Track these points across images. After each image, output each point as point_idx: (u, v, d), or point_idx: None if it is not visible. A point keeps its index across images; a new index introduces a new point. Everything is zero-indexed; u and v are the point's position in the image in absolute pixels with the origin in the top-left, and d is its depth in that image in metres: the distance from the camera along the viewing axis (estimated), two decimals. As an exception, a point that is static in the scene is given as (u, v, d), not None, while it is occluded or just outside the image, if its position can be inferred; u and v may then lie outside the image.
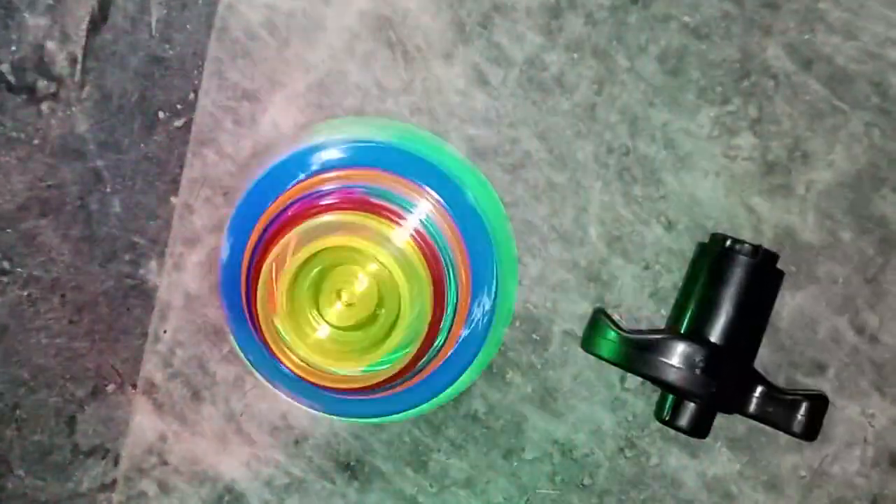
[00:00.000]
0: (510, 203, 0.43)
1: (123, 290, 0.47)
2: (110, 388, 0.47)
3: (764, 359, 0.41)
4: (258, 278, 0.36)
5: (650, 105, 0.41)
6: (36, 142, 0.46)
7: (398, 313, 0.36)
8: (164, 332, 0.46)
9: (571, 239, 0.43)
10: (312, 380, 0.37)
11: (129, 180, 0.46)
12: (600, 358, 0.40)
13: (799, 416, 0.37)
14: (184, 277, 0.46)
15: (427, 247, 0.37)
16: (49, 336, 0.48)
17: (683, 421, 0.38)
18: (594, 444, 0.43)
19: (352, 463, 0.45)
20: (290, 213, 0.38)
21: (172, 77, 0.45)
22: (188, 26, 0.45)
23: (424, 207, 0.38)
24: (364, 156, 0.39)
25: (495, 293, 0.38)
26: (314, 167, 0.38)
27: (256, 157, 0.44)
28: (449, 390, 0.39)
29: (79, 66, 0.45)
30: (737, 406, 0.38)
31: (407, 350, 0.36)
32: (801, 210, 0.41)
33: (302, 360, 0.36)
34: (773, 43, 0.41)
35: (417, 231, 0.37)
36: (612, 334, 0.39)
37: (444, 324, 0.37)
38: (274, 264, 0.36)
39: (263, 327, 0.36)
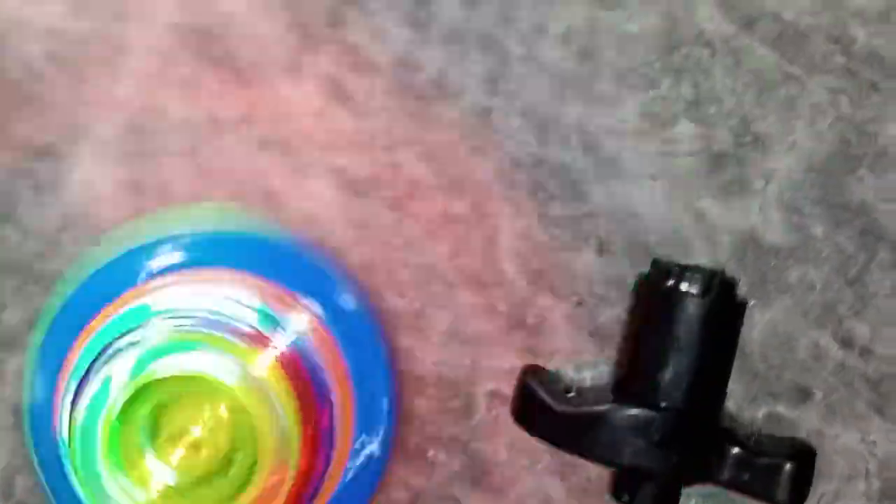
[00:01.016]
0: (399, 246, 0.37)
1: (-66, 414, 0.41)
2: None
3: (736, 394, 0.37)
4: (73, 425, 0.30)
5: (559, 101, 0.36)
6: None
7: (255, 458, 0.31)
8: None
9: (483, 280, 0.37)
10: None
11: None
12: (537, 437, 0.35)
13: (781, 482, 0.33)
14: (4, 390, 0.40)
15: (297, 373, 0.32)
16: None
17: (646, 502, 0.34)
18: (546, 520, 0.39)
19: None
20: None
21: (-59, 140, 0.38)
22: (-51, 72, 0.38)
23: (296, 321, 0.33)
24: (210, 253, 0.34)
25: (387, 432, 0.35)
26: (142, 276, 0.33)
27: (74, 232, 0.38)
28: None
29: None
30: (706, 476, 0.34)
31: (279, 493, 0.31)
32: (761, 208, 0.36)
33: None
34: (704, 1, 0.35)
35: (284, 355, 0.32)
36: (544, 407, 0.34)
37: (320, 467, 0.33)
38: (90, 406, 0.30)
39: (82, 489, 0.31)
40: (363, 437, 0.34)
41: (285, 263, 0.34)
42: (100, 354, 0.32)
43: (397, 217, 0.37)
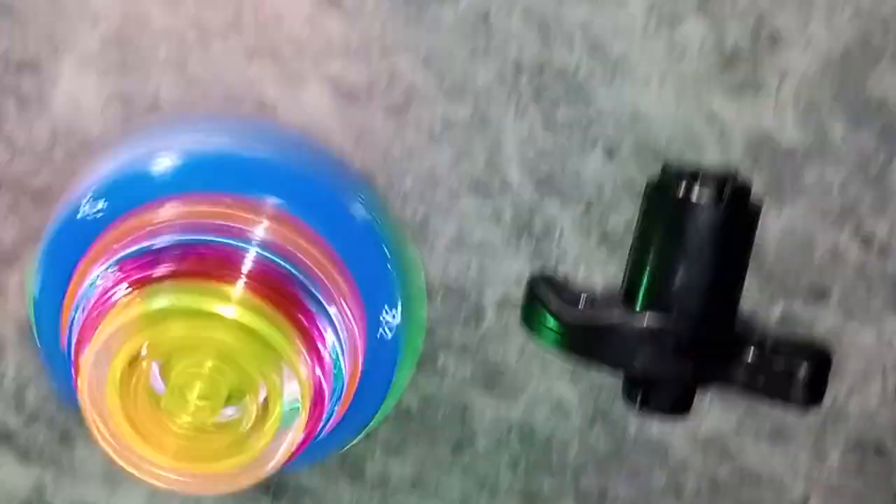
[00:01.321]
0: (400, 154, 0.42)
1: (-61, 331, 0.47)
2: (-43, 446, 0.50)
3: (752, 295, 0.42)
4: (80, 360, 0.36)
5: (560, 1, 0.40)
6: None
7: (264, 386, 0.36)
8: (3, 372, 0.48)
9: (488, 187, 0.42)
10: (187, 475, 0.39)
11: None
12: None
13: (797, 383, 0.38)
14: (9, 305, 0.46)
15: (275, 286, 0.36)
16: None
17: (659, 406, 0.40)
18: (558, 421, 0.45)
19: (271, 485, 0.48)
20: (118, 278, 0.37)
21: (-81, 56, 0.43)
22: (-82, -16, 0.42)
23: (258, 233, 0.37)
24: (198, 173, 0.38)
25: (399, 301, 0.39)
26: (144, 194, 0.38)
27: (65, 146, 0.43)
28: (376, 417, 0.42)
29: None
30: (721, 378, 0.39)
31: (293, 421, 0.37)
32: (776, 108, 0.40)
33: (159, 477, 0.38)
34: None
35: (252, 275, 0.36)
36: (551, 321, 0.40)
37: (335, 365, 0.38)
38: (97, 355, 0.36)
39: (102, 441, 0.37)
40: (380, 313, 0.39)
41: (257, 170, 0.38)
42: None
43: (396, 125, 0.42)
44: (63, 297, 0.39)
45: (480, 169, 0.42)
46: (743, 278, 0.40)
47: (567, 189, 0.42)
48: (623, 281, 0.41)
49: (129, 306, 0.35)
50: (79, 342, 0.37)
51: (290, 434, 0.37)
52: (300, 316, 0.37)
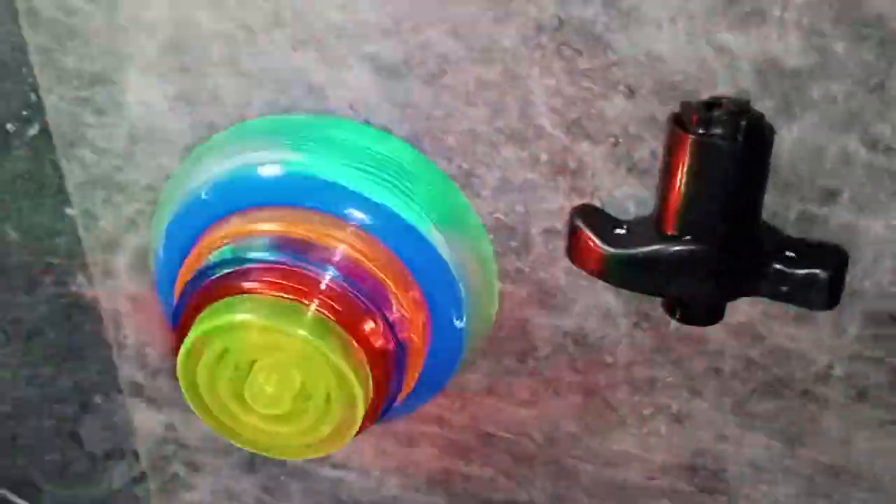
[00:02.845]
0: (440, 117, 0.41)
1: (63, 310, 0.48)
2: (97, 399, 0.51)
3: (769, 202, 0.40)
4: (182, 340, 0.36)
5: None
6: None
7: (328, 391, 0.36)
8: (126, 337, 0.48)
9: (523, 136, 0.41)
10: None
11: (11, 204, 0.45)
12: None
13: (818, 289, 0.38)
14: (119, 282, 0.46)
15: (343, 305, 0.36)
16: (11, 370, 0.50)
17: (696, 320, 0.40)
18: (607, 326, 0.45)
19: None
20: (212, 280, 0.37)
21: (1, 82, 0.42)
22: (-11, 19, 0.41)
23: (338, 254, 0.37)
24: (295, 187, 0.38)
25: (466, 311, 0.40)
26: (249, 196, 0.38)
27: (143, 145, 0.43)
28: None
29: None
30: (748, 291, 0.38)
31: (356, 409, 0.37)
32: (780, 34, 0.37)
33: (249, 442, 0.39)
34: None
35: (326, 294, 0.36)
36: (597, 250, 0.39)
37: (397, 369, 0.38)
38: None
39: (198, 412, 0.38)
40: (446, 318, 0.40)
41: (334, 191, 0.38)
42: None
43: (434, 91, 0.40)
44: (179, 265, 0.40)
45: (515, 121, 0.41)
46: (762, 200, 0.38)
47: (594, 130, 0.40)
48: (654, 210, 0.40)
49: (217, 313, 0.36)
50: (184, 315, 0.38)
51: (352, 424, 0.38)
52: (366, 331, 0.37)
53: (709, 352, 0.45)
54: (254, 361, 0.37)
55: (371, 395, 0.37)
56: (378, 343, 0.37)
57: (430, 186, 0.41)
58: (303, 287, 0.36)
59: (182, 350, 0.36)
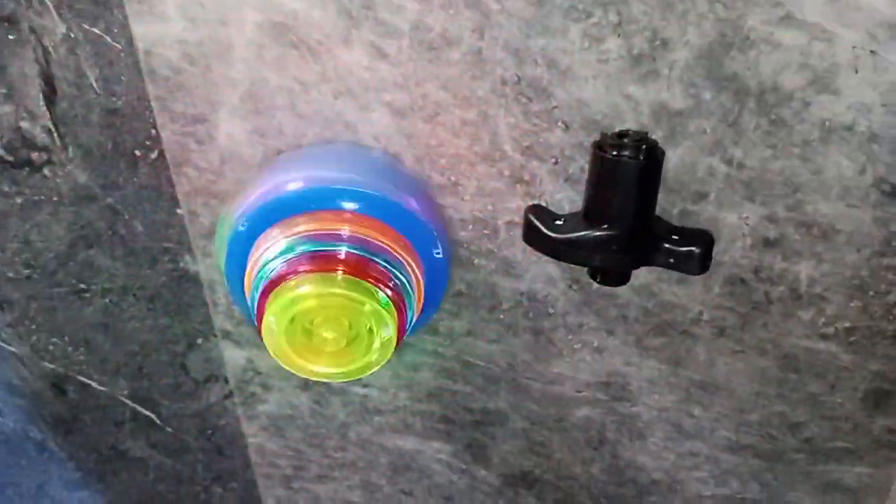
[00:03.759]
0: (435, 145, 0.41)
1: (175, 280, 0.47)
2: (199, 341, 0.50)
3: (660, 200, 0.40)
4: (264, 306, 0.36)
5: (527, 37, 0.36)
6: (55, 198, 0.44)
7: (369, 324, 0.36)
8: (219, 298, 0.48)
9: (493, 157, 0.40)
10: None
11: (138, 206, 0.44)
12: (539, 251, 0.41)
13: (694, 261, 0.38)
14: (213, 261, 0.46)
15: (360, 266, 0.36)
16: (138, 321, 0.49)
17: (610, 282, 0.39)
18: (549, 288, 0.44)
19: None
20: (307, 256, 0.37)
21: (131, 121, 0.41)
22: (122, 77, 0.40)
23: (345, 234, 0.37)
24: (372, 205, 0.38)
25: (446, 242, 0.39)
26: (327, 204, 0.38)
27: (230, 165, 0.42)
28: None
29: (55, 134, 0.41)
30: (647, 262, 0.38)
31: (389, 338, 0.37)
32: (668, 86, 0.37)
33: (312, 373, 0.38)
34: (619, -51, 0.35)
35: (347, 263, 0.36)
36: (543, 235, 0.39)
37: (407, 297, 0.38)
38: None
39: (280, 359, 0.38)
40: (431, 247, 0.40)
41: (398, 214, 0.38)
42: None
43: (431, 127, 0.40)
44: (243, 276, 0.39)
45: (487, 147, 0.40)
46: (656, 199, 0.38)
47: (542, 152, 0.40)
48: (582, 207, 0.40)
49: (282, 292, 0.35)
50: (259, 308, 0.37)
51: (387, 342, 0.38)
52: (379, 277, 0.37)
53: (619, 304, 0.45)
54: (312, 322, 0.37)
55: (396, 317, 0.37)
56: (390, 283, 0.37)
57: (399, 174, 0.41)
58: (328, 262, 0.36)
59: (264, 326, 0.36)
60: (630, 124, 0.39)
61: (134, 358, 0.50)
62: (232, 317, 0.48)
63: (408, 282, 0.38)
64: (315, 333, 0.37)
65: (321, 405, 0.52)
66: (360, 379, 0.50)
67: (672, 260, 0.38)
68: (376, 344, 0.37)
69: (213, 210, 0.43)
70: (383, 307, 0.36)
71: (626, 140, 0.36)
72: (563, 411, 0.50)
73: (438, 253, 0.40)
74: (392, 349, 0.37)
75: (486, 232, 0.43)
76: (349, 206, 0.38)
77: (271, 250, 0.37)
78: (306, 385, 0.51)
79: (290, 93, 0.39)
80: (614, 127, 0.39)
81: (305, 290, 0.35)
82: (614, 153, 0.36)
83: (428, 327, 0.47)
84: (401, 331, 0.37)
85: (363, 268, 0.36)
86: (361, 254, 0.37)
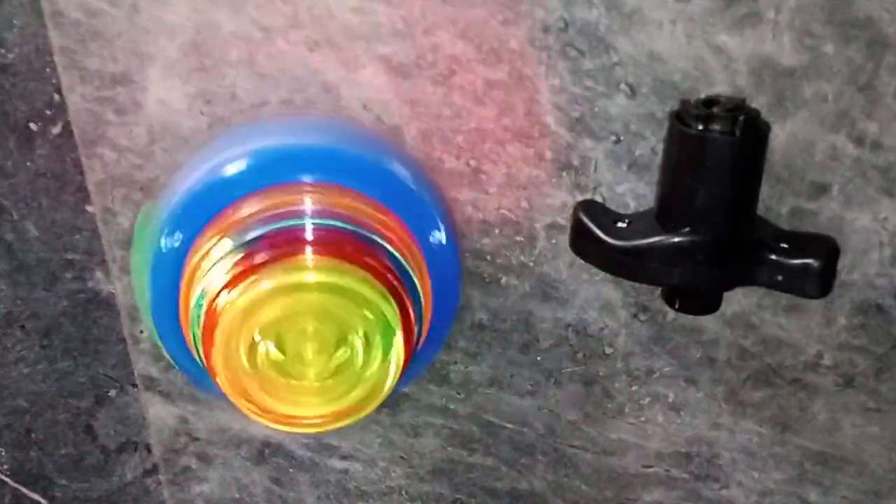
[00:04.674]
0: (450, 116, 0.41)
1: (81, 306, 0.47)
2: (112, 393, 0.50)
3: (763, 195, 0.40)
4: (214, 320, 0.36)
5: None
6: (-86, 190, 0.44)
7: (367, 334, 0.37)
8: (141, 332, 0.48)
9: (529, 134, 0.41)
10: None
11: (32, 202, 0.44)
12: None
13: (811, 278, 0.38)
14: (134, 280, 0.47)
15: (336, 244, 0.37)
16: (28, 365, 0.49)
17: (693, 309, 0.40)
18: (606, 318, 0.45)
19: (375, 395, 0.49)
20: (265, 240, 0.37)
21: (25, 82, 0.41)
22: (15, 21, 0.40)
23: (308, 207, 0.38)
24: (342, 172, 0.38)
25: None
26: (285, 175, 0.38)
27: (163, 143, 0.42)
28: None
29: (-84, 100, 0.42)
30: (745, 280, 0.38)
31: (394, 335, 0.37)
32: (774, 35, 0.38)
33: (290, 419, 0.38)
34: None
35: (317, 241, 0.37)
36: (599, 243, 0.39)
37: (408, 283, 0.38)
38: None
39: (228, 390, 0.37)
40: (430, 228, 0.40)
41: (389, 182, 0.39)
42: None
43: (444, 91, 0.40)
44: (174, 306, 0.40)
45: (521, 120, 0.41)
46: (758, 193, 0.39)
47: (597, 127, 0.40)
48: (655, 204, 0.40)
49: (229, 310, 0.36)
50: (205, 345, 0.37)
51: (394, 353, 0.37)
52: (367, 259, 0.37)
53: (704, 341, 0.45)
54: (281, 341, 0.37)
55: (400, 317, 0.37)
56: (385, 267, 0.37)
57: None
58: (291, 244, 0.37)
59: (216, 346, 0.36)
60: (722, 88, 0.39)
61: (19, 418, 0.50)
62: (159, 358, 0.48)
63: (409, 270, 0.39)
64: (290, 355, 0.37)
65: (282, 485, 0.52)
66: (338, 446, 0.50)
67: (780, 277, 0.38)
68: (378, 360, 0.37)
69: (136, 208, 0.44)
70: (381, 299, 0.36)
71: (715, 109, 0.37)
72: (626, 495, 0.50)
73: (441, 238, 0.40)
74: (400, 366, 0.37)
75: (518, 239, 0.44)
76: (308, 176, 0.38)
77: (211, 256, 0.37)
78: (261, 456, 0.51)
79: (249, 42, 0.40)
80: (699, 92, 0.39)
81: (264, 289, 0.35)
82: (700, 127, 0.37)
83: (434, 372, 0.47)
84: (408, 339, 0.37)
85: (342, 246, 0.37)
86: (336, 225, 0.37)
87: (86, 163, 0.43)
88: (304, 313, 0.36)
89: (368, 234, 0.38)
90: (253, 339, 0.36)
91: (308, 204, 0.38)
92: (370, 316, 0.36)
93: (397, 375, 0.38)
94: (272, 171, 0.39)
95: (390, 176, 0.40)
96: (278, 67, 0.40)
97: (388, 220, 0.39)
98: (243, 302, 0.35)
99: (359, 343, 0.37)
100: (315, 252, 0.37)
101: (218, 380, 0.36)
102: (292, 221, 0.38)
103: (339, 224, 0.38)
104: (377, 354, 0.37)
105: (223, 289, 0.36)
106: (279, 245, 0.37)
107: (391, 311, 0.36)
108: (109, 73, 0.41)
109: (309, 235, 0.37)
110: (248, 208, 0.38)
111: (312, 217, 0.38)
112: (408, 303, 0.38)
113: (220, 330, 0.35)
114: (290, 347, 0.37)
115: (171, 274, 0.39)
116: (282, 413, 0.37)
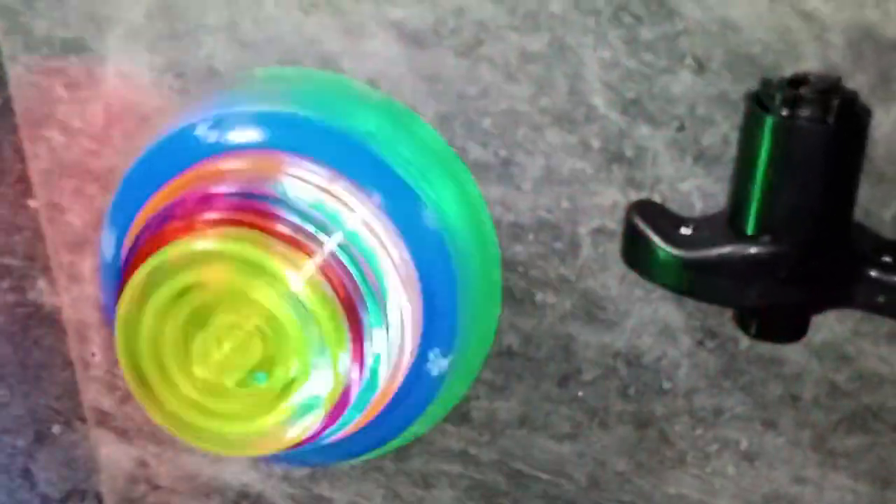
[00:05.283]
0: (476, 96, 0.42)
1: (19, 323, 0.48)
2: (55, 429, 0.51)
3: (862, 198, 0.41)
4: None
5: None
6: None
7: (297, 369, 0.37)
8: (93, 354, 0.49)
9: (573, 118, 0.41)
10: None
11: (-37, 194, 0.46)
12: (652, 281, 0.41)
13: None
14: (87, 289, 0.47)
15: (342, 280, 0.37)
16: (-46, 393, 0.51)
17: (775, 335, 0.40)
18: (665, 344, 0.45)
19: (378, 437, 0.49)
20: (171, 216, 0.38)
21: (-43, 49, 0.43)
22: (-54, -26, 0.42)
23: (352, 221, 0.38)
24: (285, 136, 0.39)
25: (454, 347, 0.40)
26: (215, 145, 0.39)
27: (123, 125, 0.43)
28: (395, 440, 0.44)
29: None
30: (838, 301, 0.39)
31: (312, 412, 0.37)
32: (877, 0, 0.39)
33: (172, 416, 0.38)
34: None
35: (328, 263, 0.37)
36: (658, 253, 0.40)
37: (372, 378, 0.39)
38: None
39: (125, 370, 0.37)
40: (431, 349, 0.41)
41: (357, 156, 0.39)
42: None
43: (469, 64, 0.41)
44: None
45: (563, 100, 0.41)
46: (855, 194, 0.39)
47: (656, 110, 0.41)
48: (727, 205, 0.40)
49: (187, 242, 0.37)
50: (133, 262, 0.38)
51: (305, 422, 0.38)
52: (358, 319, 0.38)
53: (786, 376, 0.45)
54: (212, 314, 0.37)
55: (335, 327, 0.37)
56: (365, 339, 0.38)
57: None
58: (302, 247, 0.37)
59: (132, 283, 0.36)
60: (812, 64, 0.39)
61: (-58, 457, 0.51)
62: (114, 387, 0.49)
63: (387, 362, 0.40)
64: (205, 335, 0.38)
65: (262, 545, 0.53)
66: (330, 497, 0.51)
67: (882, 298, 0.39)
68: (279, 408, 0.37)
69: (89, 202, 0.45)
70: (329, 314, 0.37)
71: (803, 91, 0.37)
72: (686, 563, 0.50)
73: (432, 220, 0.41)
74: (300, 437, 0.37)
75: (557, 245, 0.44)
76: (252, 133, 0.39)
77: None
78: (238, 509, 0.52)
79: (231, 4, 0.40)
80: (784, 68, 0.40)
81: (219, 247, 0.36)
82: (784, 113, 0.37)
83: (452, 410, 0.48)
84: (327, 422, 0.38)
85: (347, 287, 0.38)
86: (354, 265, 0.38)
87: (28, 148, 0.44)
88: (257, 306, 0.37)
89: (302, 204, 0.39)
90: (187, 284, 0.37)
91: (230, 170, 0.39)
92: (312, 366, 0.37)
93: (288, 444, 0.38)
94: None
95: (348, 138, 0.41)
96: (266, 34, 0.41)
97: (344, 185, 0.40)
98: (192, 245, 0.36)
99: (278, 383, 0.37)
100: (320, 268, 0.38)
101: (121, 300, 0.37)
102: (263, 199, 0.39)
103: (255, 198, 0.39)
104: (287, 409, 0.37)
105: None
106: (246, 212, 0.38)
107: (338, 382, 0.37)
108: (60, 39, 0.42)
109: (325, 253, 0.38)
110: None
111: (227, 184, 0.39)
112: (353, 390, 0.39)
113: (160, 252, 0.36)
114: (217, 325, 0.37)
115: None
116: (157, 394, 0.38)
